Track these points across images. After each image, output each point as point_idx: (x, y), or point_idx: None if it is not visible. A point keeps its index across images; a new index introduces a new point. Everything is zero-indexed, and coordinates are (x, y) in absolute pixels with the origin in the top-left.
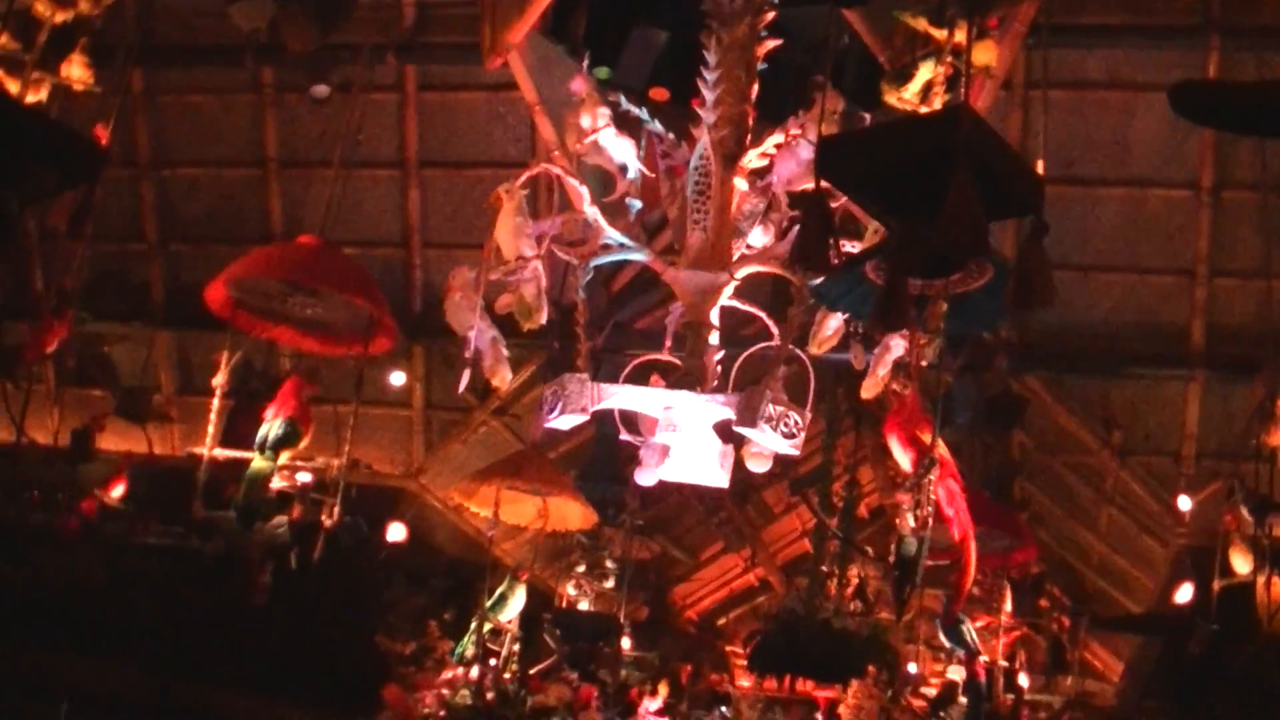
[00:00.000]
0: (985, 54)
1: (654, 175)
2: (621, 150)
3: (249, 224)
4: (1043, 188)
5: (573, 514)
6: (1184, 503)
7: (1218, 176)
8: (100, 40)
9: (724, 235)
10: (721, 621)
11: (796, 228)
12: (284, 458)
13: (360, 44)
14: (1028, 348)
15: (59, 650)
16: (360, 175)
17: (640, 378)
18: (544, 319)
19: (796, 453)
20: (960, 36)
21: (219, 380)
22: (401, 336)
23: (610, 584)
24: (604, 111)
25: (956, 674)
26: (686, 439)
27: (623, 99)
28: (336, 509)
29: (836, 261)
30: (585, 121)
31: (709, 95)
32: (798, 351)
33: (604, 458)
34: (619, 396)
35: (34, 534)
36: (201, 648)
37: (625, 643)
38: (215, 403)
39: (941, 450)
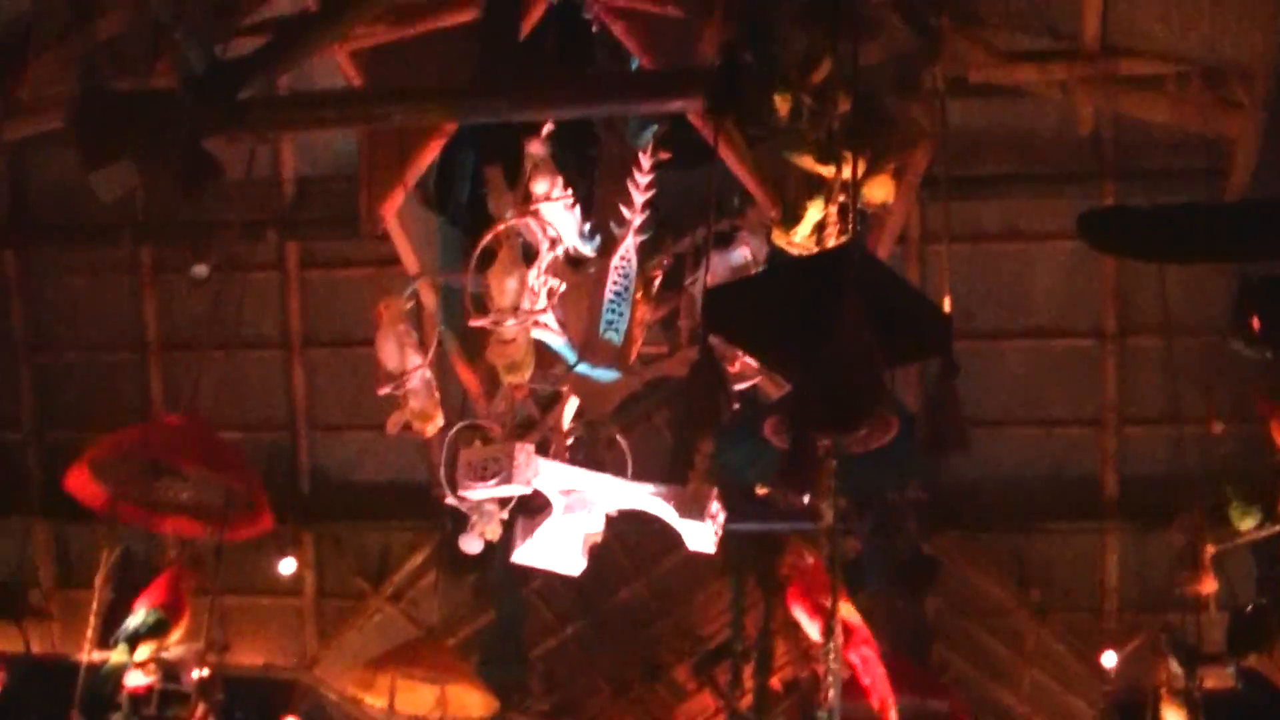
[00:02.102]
0: (880, 189)
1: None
2: (565, 224)
3: (129, 408)
4: (950, 325)
5: (473, 702)
6: (1109, 659)
7: (1120, 322)
8: None
9: (631, 339)
10: None
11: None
12: (145, 651)
13: (237, 221)
14: (937, 507)
15: None
16: (243, 356)
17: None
18: (528, 375)
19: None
20: (848, 172)
21: (99, 580)
22: (290, 522)
23: None
24: (560, 180)
25: None
26: (570, 524)
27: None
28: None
29: (728, 422)
30: (540, 187)
31: (639, 197)
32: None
33: (506, 640)
34: (563, 475)
35: None
36: None
37: None
38: (95, 604)
39: (851, 616)
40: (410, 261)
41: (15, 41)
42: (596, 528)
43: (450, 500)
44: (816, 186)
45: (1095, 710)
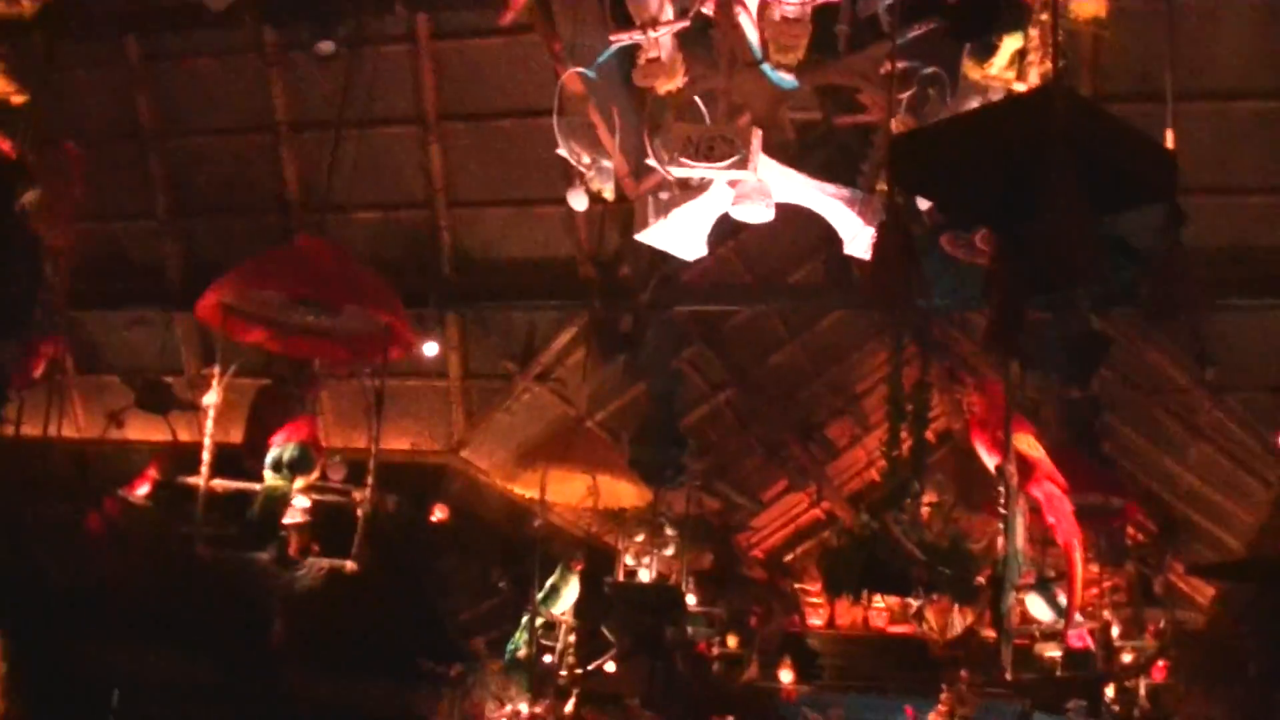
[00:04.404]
0: (1093, 4)
1: None
2: None
3: (263, 192)
4: (1174, 164)
5: (625, 492)
6: None
7: None
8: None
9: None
10: (789, 558)
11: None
12: (299, 484)
13: None
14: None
15: (112, 642)
16: (377, 134)
17: None
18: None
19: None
20: None
21: (211, 399)
22: (433, 304)
23: (671, 551)
24: None
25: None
26: (706, 209)
27: None
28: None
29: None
30: None
31: None
32: None
33: (659, 419)
34: (773, 167)
35: (52, 531)
36: (258, 631)
37: (690, 599)
38: (207, 436)
39: (1033, 450)
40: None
41: None
42: (765, 218)
43: (561, 151)
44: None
45: (1271, 491)
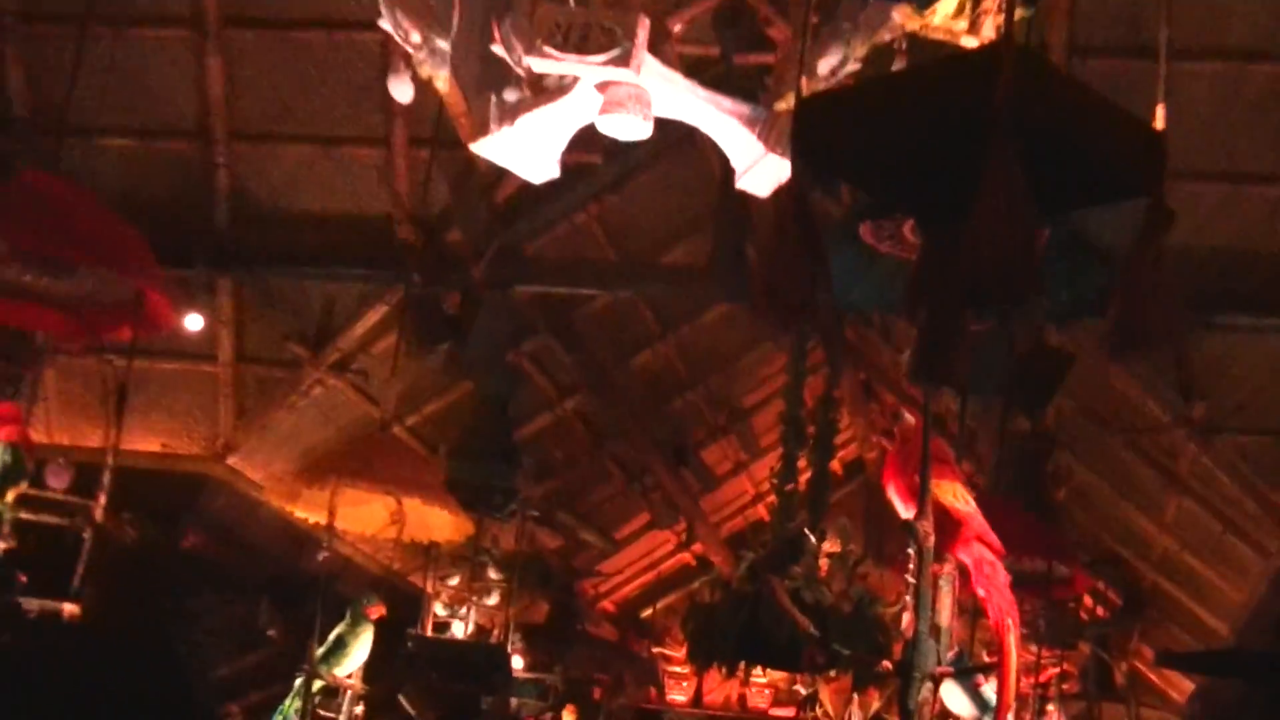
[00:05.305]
0: None
1: None
2: None
3: None
4: (1162, 149)
5: (439, 520)
6: None
7: None
8: None
9: None
10: (647, 614)
11: None
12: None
13: None
14: None
15: None
16: (137, 36)
17: None
18: None
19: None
20: None
21: None
22: (203, 265)
23: (494, 599)
24: None
25: None
26: (563, 117)
27: None
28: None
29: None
30: None
31: None
32: None
33: (488, 428)
34: (660, 71)
35: None
36: None
37: (517, 661)
38: None
39: (960, 504)
40: None
41: None
42: (640, 133)
43: (385, 24)
44: None
45: (1267, 562)
